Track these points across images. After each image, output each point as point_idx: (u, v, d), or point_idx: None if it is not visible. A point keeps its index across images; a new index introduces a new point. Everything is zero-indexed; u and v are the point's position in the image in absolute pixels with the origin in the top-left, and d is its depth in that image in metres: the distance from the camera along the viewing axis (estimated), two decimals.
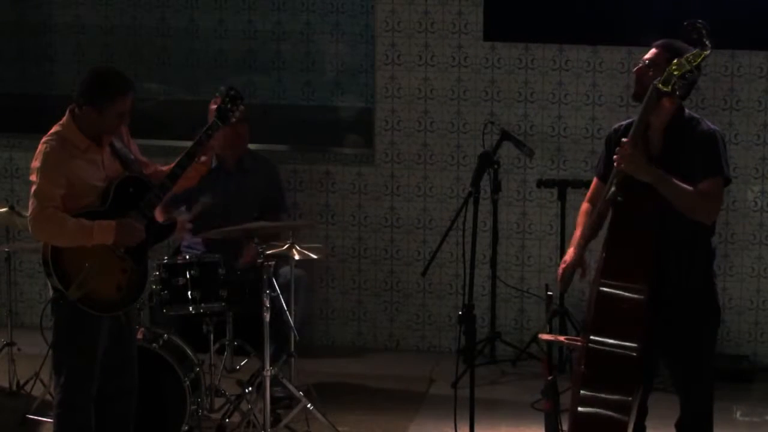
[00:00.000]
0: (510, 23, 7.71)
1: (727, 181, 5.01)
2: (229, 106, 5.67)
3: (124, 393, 5.53)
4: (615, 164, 4.94)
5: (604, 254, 4.93)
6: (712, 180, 4.94)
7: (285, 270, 6.70)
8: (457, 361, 6.22)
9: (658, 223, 4.95)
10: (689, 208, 4.93)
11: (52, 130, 5.36)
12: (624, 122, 5.24)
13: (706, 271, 5.09)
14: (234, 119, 5.73)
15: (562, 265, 5.23)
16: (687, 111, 5.07)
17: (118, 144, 5.47)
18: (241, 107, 5.71)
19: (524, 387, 7.19)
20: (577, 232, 5.30)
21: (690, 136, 4.99)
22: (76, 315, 5.32)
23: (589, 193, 5.39)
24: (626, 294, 4.84)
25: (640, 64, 5.08)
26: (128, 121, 5.47)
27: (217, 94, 5.76)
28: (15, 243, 7.33)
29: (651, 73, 5.00)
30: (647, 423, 5.21)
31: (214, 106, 5.90)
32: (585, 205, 5.37)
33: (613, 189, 4.99)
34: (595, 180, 5.37)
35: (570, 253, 5.23)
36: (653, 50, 5.07)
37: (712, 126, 5.06)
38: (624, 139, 4.94)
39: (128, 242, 5.36)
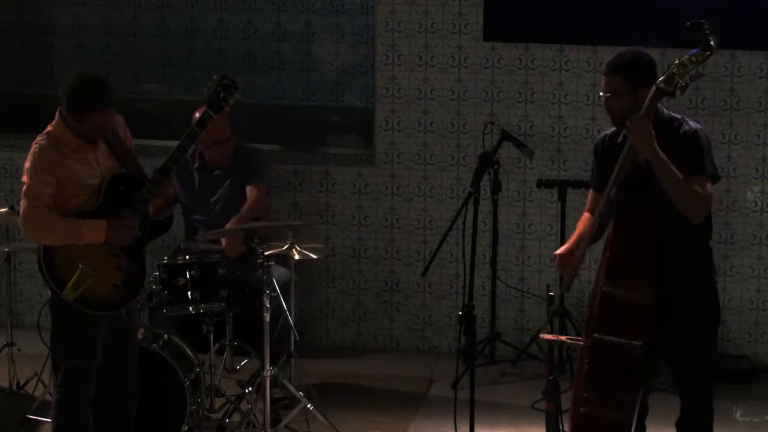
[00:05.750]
0: (510, 23, 7.71)
1: (715, 179, 4.99)
2: (221, 95, 5.52)
3: (125, 395, 5.52)
4: (627, 131, 4.89)
5: (607, 254, 4.92)
6: (696, 179, 4.90)
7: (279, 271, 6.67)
8: (457, 362, 6.23)
9: (658, 222, 4.95)
10: (680, 198, 4.88)
11: (44, 131, 5.37)
12: (609, 131, 5.23)
13: (705, 269, 5.08)
14: (227, 108, 5.62)
15: (567, 258, 5.17)
16: (666, 111, 5.04)
17: (114, 139, 5.45)
18: (236, 95, 5.56)
19: (524, 387, 7.19)
20: (579, 230, 5.28)
21: (674, 137, 4.95)
22: (74, 315, 5.32)
23: (588, 205, 5.39)
24: (631, 294, 4.84)
25: (604, 98, 5.05)
26: (110, 131, 5.40)
27: (209, 84, 5.58)
28: (15, 243, 7.34)
29: (619, 101, 5.00)
30: (647, 422, 5.21)
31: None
32: (586, 215, 5.37)
33: (614, 190, 4.98)
34: (591, 193, 5.35)
35: (567, 243, 5.19)
36: (606, 78, 5.03)
37: (695, 124, 5.02)
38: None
39: (121, 242, 5.36)
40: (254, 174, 7.06)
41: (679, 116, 5.05)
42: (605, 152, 5.15)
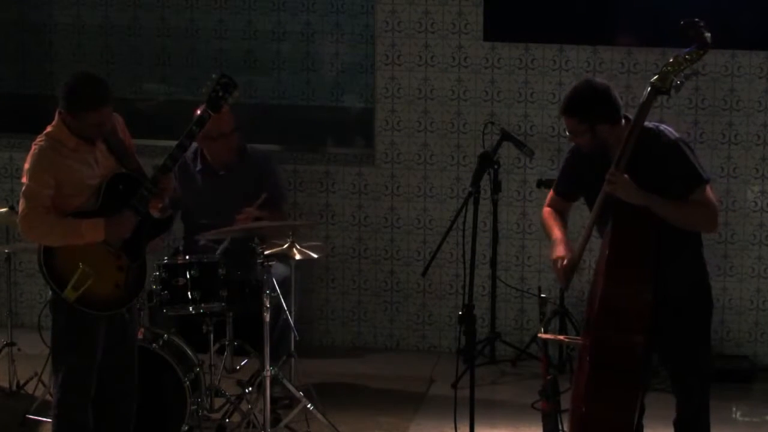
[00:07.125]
0: (510, 23, 7.71)
1: (708, 182, 4.99)
2: (220, 93, 5.52)
3: (124, 394, 5.53)
4: (607, 189, 4.91)
5: (607, 252, 4.92)
6: (697, 190, 4.92)
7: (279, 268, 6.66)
8: (457, 361, 6.23)
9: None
10: (689, 223, 4.92)
11: (44, 132, 5.37)
12: None
13: (699, 266, 5.08)
14: (227, 107, 5.61)
15: (563, 263, 5.17)
16: None
17: (113, 139, 5.45)
18: (235, 94, 5.55)
19: (524, 387, 7.19)
20: (557, 231, 5.26)
21: (653, 149, 4.93)
22: (74, 315, 5.32)
23: (548, 201, 5.40)
24: (631, 292, 4.84)
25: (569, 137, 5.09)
26: (109, 128, 5.38)
27: (208, 83, 5.58)
28: (15, 243, 7.34)
29: (581, 139, 5.01)
30: (644, 422, 5.21)
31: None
32: (547, 209, 5.37)
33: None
34: (552, 194, 5.37)
35: (562, 250, 5.19)
36: (564, 119, 5.04)
37: (673, 134, 4.99)
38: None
39: (120, 236, 5.36)
40: (280, 197, 7.15)
41: (652, 126, 5.01)
42: (580, 162, 5.16)
